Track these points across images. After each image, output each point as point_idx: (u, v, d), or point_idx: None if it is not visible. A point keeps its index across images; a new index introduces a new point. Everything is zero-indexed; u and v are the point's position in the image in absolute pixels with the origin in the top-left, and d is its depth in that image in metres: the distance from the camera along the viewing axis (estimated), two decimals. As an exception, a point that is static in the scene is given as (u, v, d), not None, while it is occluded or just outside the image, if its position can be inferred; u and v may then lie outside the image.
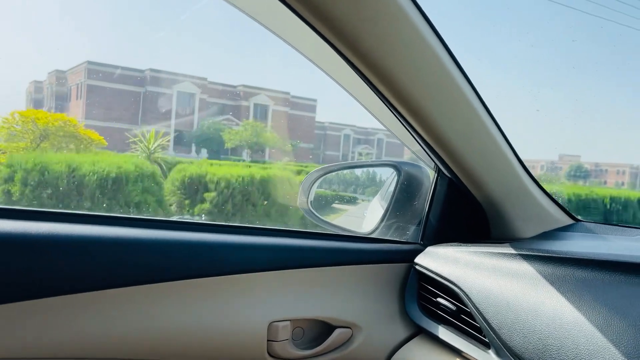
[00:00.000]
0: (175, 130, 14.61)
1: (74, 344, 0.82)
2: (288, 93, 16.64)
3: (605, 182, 22.84)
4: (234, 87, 16.25)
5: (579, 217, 1.09)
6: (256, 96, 16.01)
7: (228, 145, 14.13)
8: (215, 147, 14.42)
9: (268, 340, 0.94)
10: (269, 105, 16.28)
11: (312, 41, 0.79)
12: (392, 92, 0.83)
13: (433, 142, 0.93)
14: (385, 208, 1.24)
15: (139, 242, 0.88)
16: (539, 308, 0.79)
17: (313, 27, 0.73)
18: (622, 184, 23.07)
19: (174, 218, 0.92)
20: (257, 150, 14.95)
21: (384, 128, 1.13)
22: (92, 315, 0.83)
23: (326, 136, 20.43)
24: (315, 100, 17.63)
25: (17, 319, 0.78)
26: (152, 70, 14.42)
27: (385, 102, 0.87)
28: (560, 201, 1.06)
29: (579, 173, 21.79)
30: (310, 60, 0.97)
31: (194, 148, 14.61)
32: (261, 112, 16.02)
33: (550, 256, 0.87)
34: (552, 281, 0.82)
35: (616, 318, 0.70)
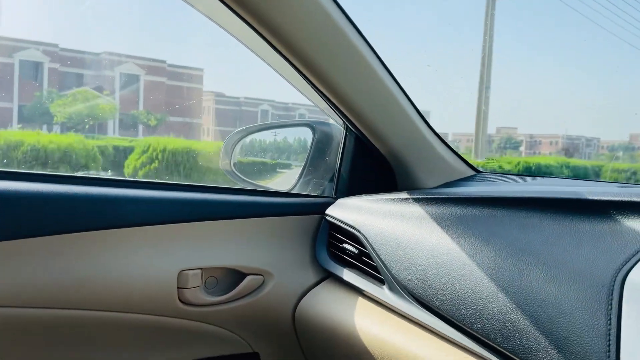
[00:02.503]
0: (20, 104, 12.85)
1: None
2: (164, 62, 14.38)
3: (538, 153, 21.92)
4: (97, 54, 13.86)
5: (480, 169, 1.20)
6: (123, 65, 13.82)
7: (58, 119, 12.55)
8: (63, 121, 12.82)
9: (178, 288, 0.99)
10: (140, 75, 14.16)
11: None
12: (294, 56, 0.90)
13: (336, 100, 1.01)
14: (302, 166, 1.33)
15: (50, 196, 0.89)
16: (421, 244, 0.91)
17: None
18: (549, 154, 22.21)
19: (82, 173, 0.99)
20: (124, 125, 13.44)
21: (306, 103, 1.22)
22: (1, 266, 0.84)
23: (242, 112, 18.21)
24: (201, 70, 15.45)
25: None
26: (-17, 34, 11.99)
27: (291, 65, 0.94)
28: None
29: (509, 145, 20.81)
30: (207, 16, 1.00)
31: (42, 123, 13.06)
32: (129, 82, 13.99)
33: (434, 197, 0.98)
34: (434, 219, 0.93)
35: (481, 246, 0.82)
